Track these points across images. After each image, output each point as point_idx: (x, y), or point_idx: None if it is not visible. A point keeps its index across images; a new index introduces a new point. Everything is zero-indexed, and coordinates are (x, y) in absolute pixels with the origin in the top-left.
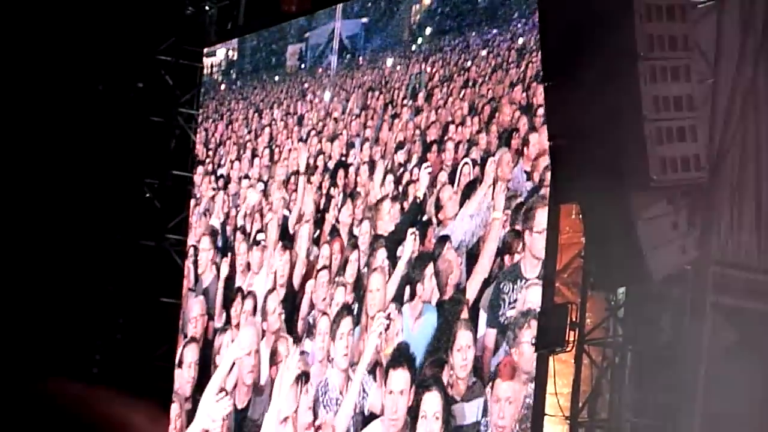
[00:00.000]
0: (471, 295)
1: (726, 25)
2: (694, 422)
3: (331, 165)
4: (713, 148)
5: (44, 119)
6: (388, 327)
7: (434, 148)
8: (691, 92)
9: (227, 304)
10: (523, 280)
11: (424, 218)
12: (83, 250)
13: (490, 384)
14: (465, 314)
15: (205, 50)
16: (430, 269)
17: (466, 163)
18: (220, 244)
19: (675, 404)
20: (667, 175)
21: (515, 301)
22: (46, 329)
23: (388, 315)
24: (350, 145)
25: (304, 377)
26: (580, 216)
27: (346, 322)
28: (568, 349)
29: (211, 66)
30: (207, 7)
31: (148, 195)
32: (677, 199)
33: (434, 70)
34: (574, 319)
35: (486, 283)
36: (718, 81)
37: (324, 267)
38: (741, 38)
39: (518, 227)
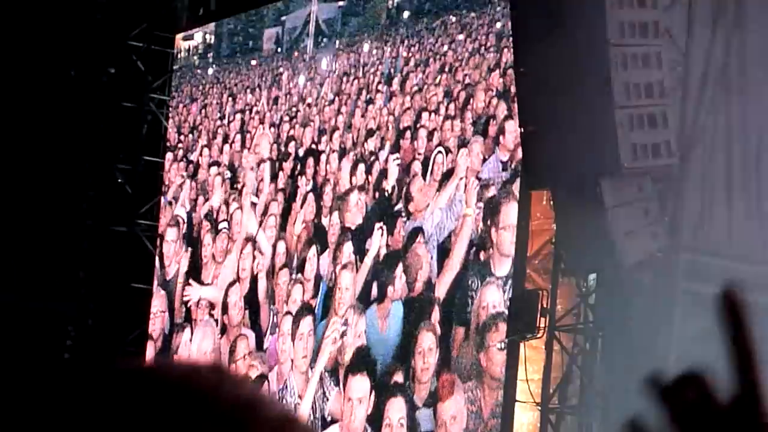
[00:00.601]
0: (441, 293)
1: (697, 11)
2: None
3: (301, 152)
4: (684, 135)
5: (16, 104)
6: (344, 333)
7: (407, 134)
8: (662, 79)
9: (188, 300)
10: (492, 277)
11: (393, 211)
12: (54, 235)
13: (433, 408)
14: (436, 315)
15: (182, 34)
16: (400, 268)
17: (439, 152)
18: (185, 234)
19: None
20: (638, 161)
21: (477, 298)
22: (18, 315)
23: (345, 320)
24: (322, 132)
25: (260, 380)
26: (551, 202)
27: (307, 321)
28: (539, 335)
29: (188, 50)
30: None
31: (119, 180)
32: (648, 186)
33: (410, 55)
34: (544, 306)
35: (458, 280)
36: (689, 68)
37: (286, 263)
38: (712, 25)
39: (489, 221)
